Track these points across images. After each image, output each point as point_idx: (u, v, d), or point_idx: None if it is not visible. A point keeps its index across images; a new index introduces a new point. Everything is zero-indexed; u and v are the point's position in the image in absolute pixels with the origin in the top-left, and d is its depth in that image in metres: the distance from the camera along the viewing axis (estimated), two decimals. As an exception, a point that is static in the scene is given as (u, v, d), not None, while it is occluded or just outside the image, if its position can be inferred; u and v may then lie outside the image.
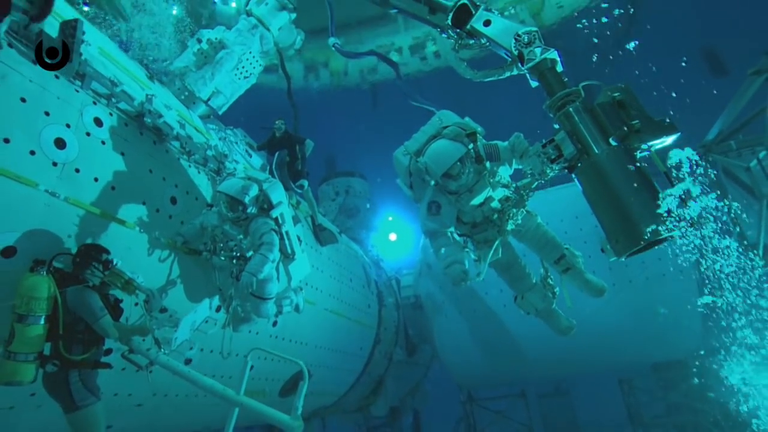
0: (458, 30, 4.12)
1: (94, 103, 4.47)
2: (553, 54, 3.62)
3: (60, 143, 4.01)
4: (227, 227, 5.13)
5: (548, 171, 3.60)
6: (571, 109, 3.43)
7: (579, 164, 3.38)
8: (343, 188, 15.55)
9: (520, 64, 3.73)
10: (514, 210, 4.09)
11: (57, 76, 4.13)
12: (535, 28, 3.72)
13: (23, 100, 3.78)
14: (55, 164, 3.95)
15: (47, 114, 3.95)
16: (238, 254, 5.17)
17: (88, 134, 4.30)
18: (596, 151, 3.29)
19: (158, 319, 4.29)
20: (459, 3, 4.08)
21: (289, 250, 5.52)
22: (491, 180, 4.09)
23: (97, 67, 4.40)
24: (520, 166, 4.15)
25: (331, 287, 8.79)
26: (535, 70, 3.64)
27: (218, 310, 5.68)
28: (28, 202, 3.76)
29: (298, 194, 7.89)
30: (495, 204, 4.17)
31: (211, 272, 5.37)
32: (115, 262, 3.95)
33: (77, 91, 4.30)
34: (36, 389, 3.80)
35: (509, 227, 4.13)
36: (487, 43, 4.01)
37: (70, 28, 4.11)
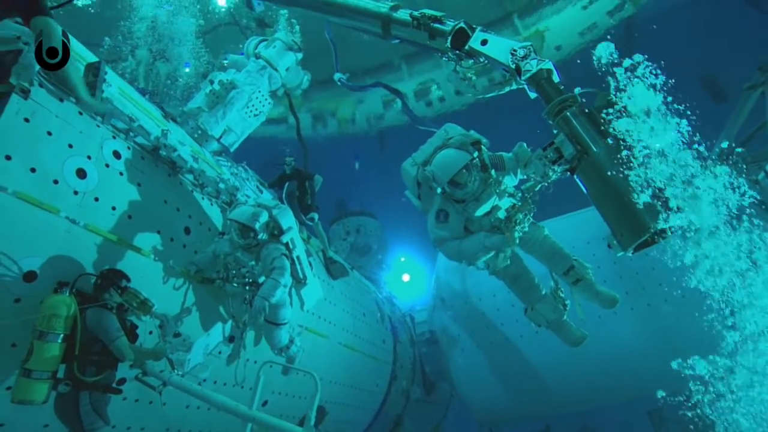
0: (457, 51, 4.35)
1: (114, 137, 4.72)
2: (548, 65, 3.80)
3: (81, 173, 4.22)
4: (239, 254, 5.22)
5: (550, 173, 3.67)
6: (568, 113, 3.55)
7: (579, 165, 3.46)
8: (353, 227, 15.70)
9: (518, 78, 3.91)
10: (521, 216, 4.13)
11: (80, 113, 4.41)
12: (529, 43, 3.93)
13: (49, 133, 4.03)
14: (76, 193, 4.14)
15: (70, 146, 4.19)
16: (251, 280, 5.24)
17: (107, 165, 4.52)
18: (595, 149, 3.38)
19: (172, 343, 4.31)
20: (457, 26, 4.34)
21: (301, 275, 5.58)
22: (497, 189, 4.16)
23: (116, 105, 4.69)
24: (525, 176, 4.24)
25: (344, 321, 8.71)
26: (532, 81, 3.81)
27: (231, 340, 5.68)
28: (50, 229, 3.91)
29: (308, 227, 8.02)
30: (501, 213, 4.23)
31: (224, 300, 5.42)
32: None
33: (98, 126, 4.56)
34: (49, 420, 3.81)
35: (516, 234, 4.16)
36: (486, 62, 4.23)
37: (93, 68, 4.46)
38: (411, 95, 23.17)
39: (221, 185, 6.04)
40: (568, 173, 3.64)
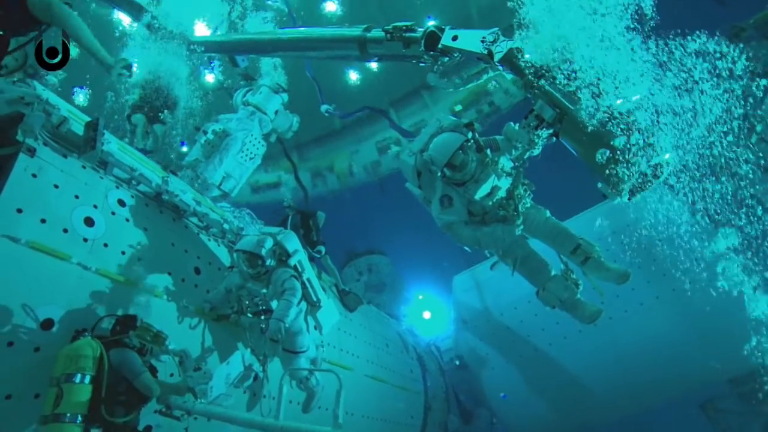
0: (431, 53, 4.59)
1: (117, 186, 4.92)
2: (517, 43, 4.01)
3: (89, 221, 4.38)
4: (250, 285, 5.26)
5: (535, 139, 3.77)
6: (542, 81, 3.71)
7: (562, 126, 3.57)
8: (365, 267, 15.72)
9: (492, 62, 4.11)
10: (521, 190, 4.16)
11: (84, 167, 4.64)
12: (496, 29, 4.16)
13: (56, 186, 4.23)
14: (85, 240, 4.28)
15: (77, 197, 4.38)
16: (264, 308, 5.24)
17: (113, 213, 4.68)
18: (572, 107, 3.51)
19: (193, 377, 4.27)
20: (428, 30, 4.61)
21: (314, 298, 5.57)
22: (495, 169, 4.21)
23: (117, 157, 4.92)
24: (517, 152, 4.32)
25: (367, 353, 8.54)
26: (505, 61, 4.00)
27: (255, 378, 5.58)
28: (63, 276, 4.02)
29: (318, 263, 8.06)
30: (502, 193, 4.27)
31: (242, 334, 5.40)
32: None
33: (101, 178, 4.78)
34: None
35: (521, 209, 4.17)
36: (460, 56, 4.45)
37: (93, 125, 4.72)
38: (404, 139, 23.40)
39: (225, 226, 6.18)
40: (554, 139, 3.74)
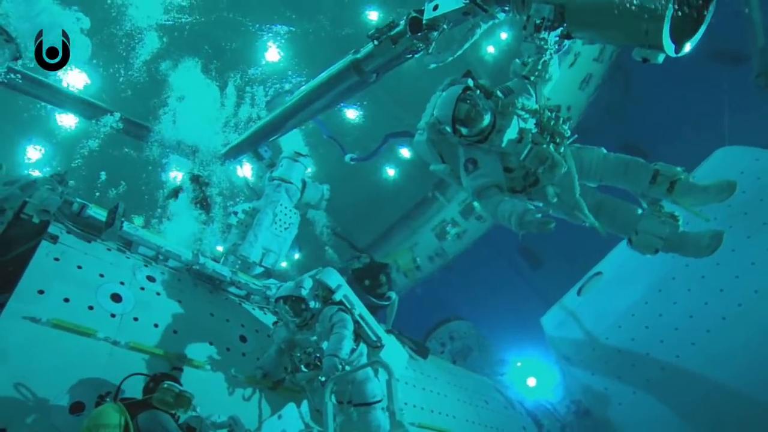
0: (419, 34, 4.42)
1: (146, 265, 4.80)
2: None
3: (116, 297, 4.19)
4: (299, 337, 4.72)
5: (542, 44, 3.28)
6: None
7: (567, 17, 3.09)
8: (446, 336, 14.58)
9: (480, 7, 3.85)
10: (548, 112, 3.54)
11: (109, 249, 4.59)
12: None
13: (79, 267, 4.15)
14: (113, 315, 4.04)
15: (102, 276, 4.25)
16: (318, 355, 4.60)
17: (142, 288, 4.50)
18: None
19: (245, 444, 3.63)
20: (409, 17, 4.52)
21: (373, 337, 4.89)
22: (515, 111, 3.67)
23: (141, 236, 4.88)
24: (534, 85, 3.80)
25: (465, 412, 7.34)
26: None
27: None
28: (92, 354, 3.73)
29: (384, 306, 7.33)
30: (532, 126, 3.66)
31: (301, 396, 4.72)
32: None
33: (128, 258, 4.70)
34: None
35: (565, 132, 3.52)
36: (448, 26, 4.24)
37: (113, 209, 4.77)
38: (459, 217, 22.28)
39: (269, 292, 5.83)
40: (566, 41, 3.24)
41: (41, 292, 3.71)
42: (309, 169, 7.99)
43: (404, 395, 6.54)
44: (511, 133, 3.61)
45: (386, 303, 7.19)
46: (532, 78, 3.69)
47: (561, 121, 3.56)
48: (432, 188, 22.48)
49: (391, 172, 21.02)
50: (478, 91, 3.72)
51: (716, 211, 4.02)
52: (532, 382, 20.18)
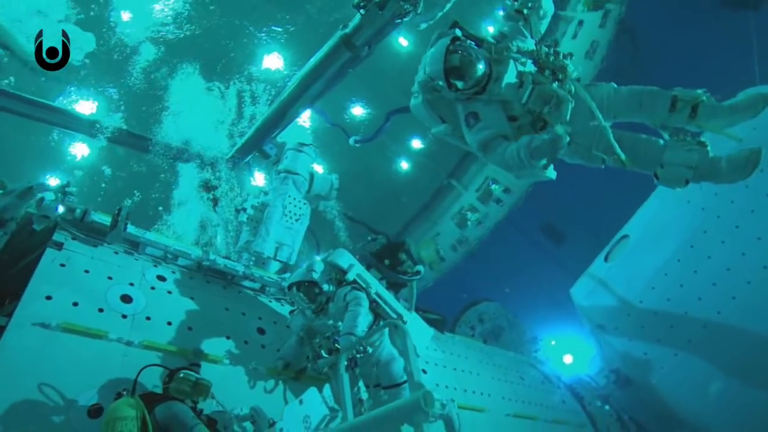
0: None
1: (155, 265, 4.73)
2: None
3: (126, 299, 4.11)
4: (317, 323, 4.59)
5: None
6: None
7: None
8: (475, 319, 14.35)
9: None
10: (545, 48, 3.29)
11: (116, 252, 4.53)
12: None
13: (87, 271, 4.08)
14: (124, 316, 3.96)
15: (110, 278, 4.18)
16: (337, 338, 4.45)
17: (152, 288, 4.42)
18: None
19: (268, 432, 3.50)
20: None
21: (393, 315, 4.72)
22: (510, 54, 3.42)
23: (148, 237, 4.80)
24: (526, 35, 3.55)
25: (500, 389, 7.10)
26: None
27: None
28: (105, 355, 3.65)
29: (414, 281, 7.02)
30: (531, 68, 3.41)
31: (324, 383, 4.57)
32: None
33: (136, 260, 4.63)
34: None
35: (567, 65, 3.27)
36: None
37: (117, 212, 4.71)
38: (477, 203, 21.79)
39: (284, 283, 5.70)
40: None
41: (49, 297, 3.65)
42: (314, 164, 7.83)
43: (435, 376, 6.35)
44: (509, 79, 3.37)
45: (417, 277, 6.88)
46: (525, 11, 3.44)
47: (561, 56, 3.30)
48: (447, 176, 22.09)
49: (404, 165, 20.77)
50: (468, 41, 3.49)
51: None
52: (568, 359, 19.71)
